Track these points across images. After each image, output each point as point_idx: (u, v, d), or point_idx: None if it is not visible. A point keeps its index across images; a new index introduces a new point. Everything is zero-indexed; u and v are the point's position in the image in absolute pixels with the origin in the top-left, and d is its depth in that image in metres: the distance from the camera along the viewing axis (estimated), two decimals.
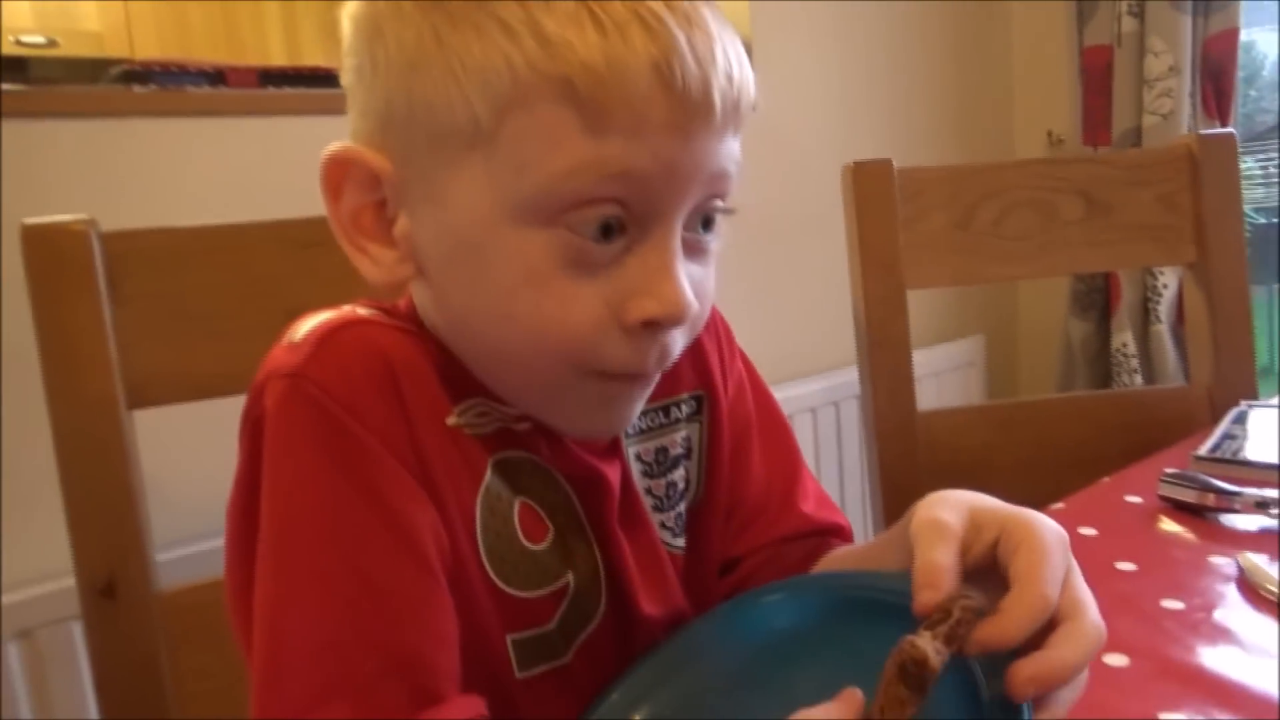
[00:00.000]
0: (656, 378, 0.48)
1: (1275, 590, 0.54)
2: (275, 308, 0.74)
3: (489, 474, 0.47)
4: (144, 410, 0.71)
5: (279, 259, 0.76)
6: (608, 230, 0.42)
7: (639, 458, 0.54)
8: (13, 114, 1.00)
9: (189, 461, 1.04)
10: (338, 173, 0.45)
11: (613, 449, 0.53)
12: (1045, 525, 0.41)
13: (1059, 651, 0.37)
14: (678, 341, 0.46)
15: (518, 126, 0.40)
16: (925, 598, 0.39)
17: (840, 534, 0.60)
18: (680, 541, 0.56)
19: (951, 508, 0.44)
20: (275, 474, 0.42)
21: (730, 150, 0.44)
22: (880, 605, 0.44)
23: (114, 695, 0.68)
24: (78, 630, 0.98)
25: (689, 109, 0.40)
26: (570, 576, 0.49)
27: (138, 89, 1.09)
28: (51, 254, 0.68)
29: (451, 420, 0.45)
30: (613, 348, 0.43)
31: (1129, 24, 1.66)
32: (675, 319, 0.43)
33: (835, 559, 0.57)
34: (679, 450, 0.56)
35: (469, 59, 0.40)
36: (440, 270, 0.45)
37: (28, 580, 0.98)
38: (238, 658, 0.66)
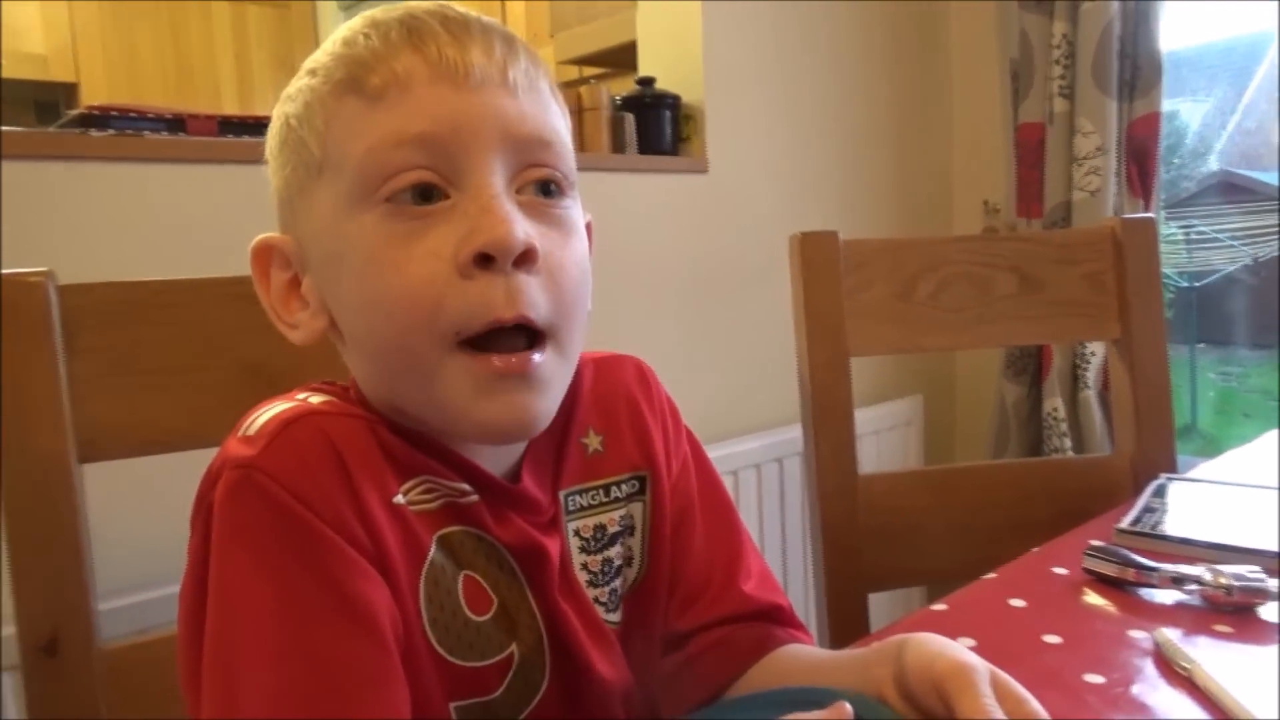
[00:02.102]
0: (549, 371, 0.48)
1: (1187, 667, 0.57)
2: (229, 363, 0.75)
3: (433, 549, 0.49)
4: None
5: (234, 315, 0.76)
6: (425, 194, 0.46)
7: (577, 534, 0.57)
8: None
9: (130, 509, 1.03)
10: (264, 259, 0.52)
11: (553, 524, 0.55)
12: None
13: None
14: (531, 288, 0.46)
15: (333, 137, 0.47)
16: None
17: (781, 615, 0.62)
18: (615, 616, 0.58)
19: (971, 655, 0.47)
20: (224, 558, 0.44)
21: (524, 112, 0.48)
22: None
23: None
24: (9, 681, 0.95)
25: (447, 69, 0.46)
26: (514, 647, 0.51)
27: (95, 133, 1.08)
28: (7, 306, 0.68)
29: (398, 499, 0.48)
30: (456, 296, 0.45)
31: (1060, 104, 1.75)
32: (503, 245, 0.45)
33: (787, 664, 0.58)
34: (616, 528, 0.58)
35: (302, 117, 0.49)
36: (331, 303, 0.50)
37: None
38: (179, 716, 0.65)
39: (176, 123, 1.14)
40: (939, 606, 0.71)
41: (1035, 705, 0.45)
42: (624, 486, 0.59)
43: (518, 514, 0.52)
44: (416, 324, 0.46)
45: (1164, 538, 0.80)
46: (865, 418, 1.73)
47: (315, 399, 0.49)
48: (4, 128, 1.09)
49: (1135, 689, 0.57)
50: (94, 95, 3.14)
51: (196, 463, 0.69)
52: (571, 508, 0.56)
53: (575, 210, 0.51)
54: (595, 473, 0.58)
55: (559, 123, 0.51)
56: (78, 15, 3.17)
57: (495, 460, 0.53)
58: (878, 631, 0.67)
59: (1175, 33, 1.81)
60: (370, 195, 0.46)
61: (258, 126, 1.21)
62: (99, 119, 1.10)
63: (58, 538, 0.68)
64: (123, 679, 0.70)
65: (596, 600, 0.57)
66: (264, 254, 0.52)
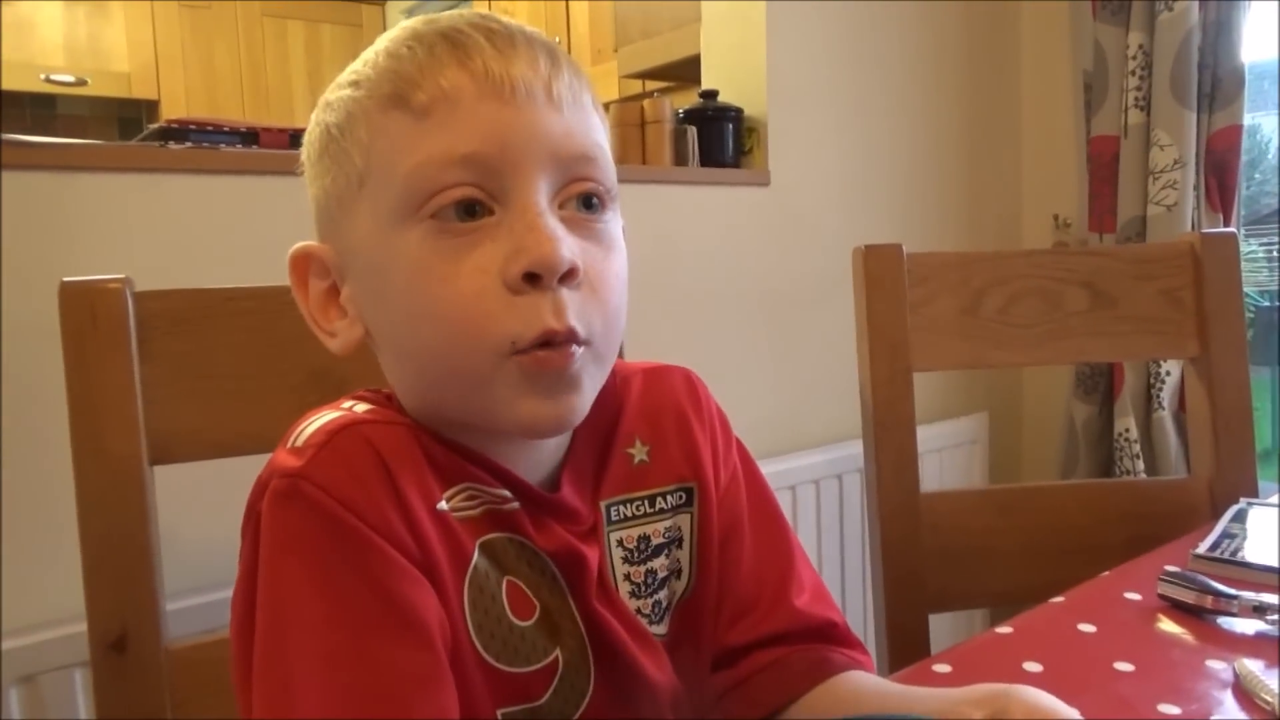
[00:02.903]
0: (588, 375, 0.49)
1: (1270, 700, 0.54)
2: (296, 370, 0.77)
3: (476, 555, 0.49)
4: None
5: (303, 322, 0.77)
6: (470, 210, 0.46)
7: (620, 544, 0.56)
8: (47, 166, 1.03)
9: (198, 510, 1.06)
10: (302, 268, 0.53)
11: (593, 532, 0.55)
12: None
13: None
14: (576, 303, 0.47)
15: (377, 151, 0.48)
16: None
17: (836, 633, 0.60)
18: (660, 629, 0.57)
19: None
20: (273, 566, 0.44)
21: (569, 129, 0.48)
22: None
23: None
24: (80, 677, 0.98)
25: (493, 85, 0.46)
26: (558, 652, 0.51)
27: (173, 146, 1.12)
28: (86, 311, 0.70)
29: (441, 506, 0.48)
30: (506, 313, 0.46)
31: (1135, 116, 1.70)
32: (550, 264, 0.45)
33: (851, 694, 0.56)
34: (662, 539, 0.58)
35: (344, 127, 0.49)
36: (371, 314, 0.51)
37: (32, 626, 0.99)
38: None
39: (250, 135, 1.17)
40: (1004, 629, 0.69)
41: None
42: (670, 498, 0.58)
43: (556, 522, 0.52)
44: (468, 336, 0.46)
45: (1245, 564, 0.77)
46: (928, 435, 1.70)
47: (360, 408, 0.50)
48: (88, 141, 1.13)
49: None
50: (174, 112, 3.26)
51: (262, 467, 0.71)
52: (614, 517, 0.56)
53: (615, 223, 0.52)
54: (640, 483, 0.58)
55: (601, 136, 0.51)
56: (160, 36, 3.30)
57: (533, 468, 0.53)
58: (939, 654, 0.66)
59: (1258, 44, 1.75)
60: (416, 211, 0.46)
61: None
62: (177, 132, 1.13)
63: (128, 538, 0.69)
64: (189, 677, 0.71)
65: (639, 611, 0.56)
66: (302, 262, 0.53)
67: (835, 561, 1.69)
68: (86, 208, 1.05)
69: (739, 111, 1.67)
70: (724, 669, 0.60)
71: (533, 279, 0.46)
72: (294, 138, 1.21)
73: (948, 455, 1.86)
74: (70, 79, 3.16)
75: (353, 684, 0.42)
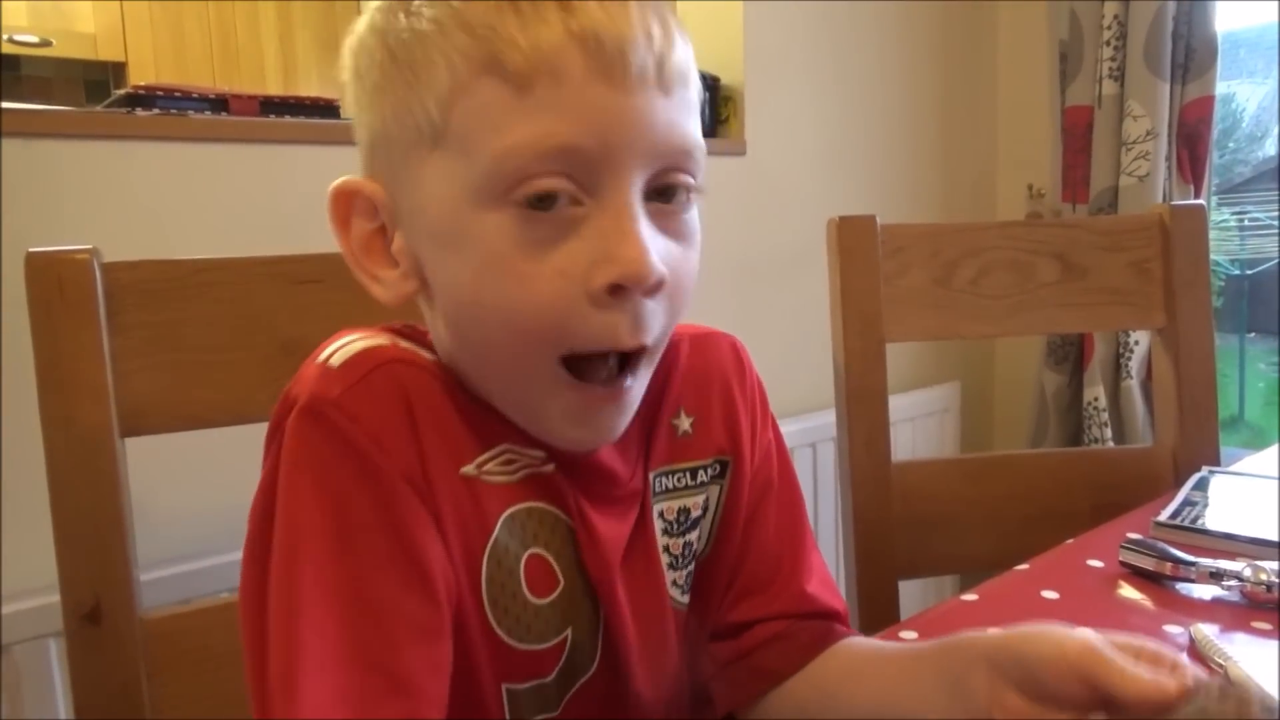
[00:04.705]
0: (637, 389, 0.48)
1: (1222, 663, 0.56)
2: (268, 342, 0.77)
3: (499, 528, 0.48)
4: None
5: (274, 294, 0.77)
6: (558, 201, 0.42)
7: (661, 515, 0.55)
8: (12, 133, 1.01)
9: (171, 482, 1.05)
10: (344, 205, 0.48)
11: (633, 505, 0.54)
12: None
13: None
14: (654, 315, 0.45)
15: (461, 113, 0.42)
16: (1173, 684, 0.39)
17: (839, 619, 0.60)
18: (686, 599, 0.57)
19: (1088, 634, 0.44)
20: (291, 482, 0.43)
21: (674, 118, 0.44)
22: None
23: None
24: (54, 647, 0.98)
25: (604, 61, 0.41)
26: (569, 631, 0.51)
27: (140, 112, 1.10)
28: (54, 282, 0.69)
29: (467, 470, 0.47)
30: (582, 322, 0.43)
31: (1109, 87, 1.71)
32: (640, 280, 0.42)
33: (853, 658, 0.56)
34: (698, 512, 0.57)
35: (417, 66, 0.43)
36: (432, 275, 0.47)
37: (6, 596, 0.99)
38: (218, 686, 0.67)
39: (219, 103, 1.16)
40: (969, 596, 0.70)
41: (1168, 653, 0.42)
42: (708, 470, 0.58)
43: (595, 485, 0.51)
44: (536, 340, 0.44)
45: (1204, 531, 0.78)
46: (901, 404, 1.72)
47: (404, 344, 0.48)
48: (53, 108, 1.11)
49: None
50: (141, 75, 3.17)
51: (235, 438, 0.70)
52: (658, 489, 0.55)
53: (696, 214, 0.49)
54: (683, 455, 0.57)
55: (698, 122, 0.47)
56: None
57: None
58: (907, 620, 0.67)
59: (1234, 13, 1.76)
60: (501, 196, 0.42)
61: (299, 107, 1.22)
62: (145, 99, 1.11)
63: (100, 509, 0.69)
64: (164, 647, 0.71)
65: (674, 584, 0.56)
66: (345, 199, 0.48)
67: None
68: (52, 175, 1.03)
69: (716, 80, 1.66)
70: (726, 640, 0.59)
71: (617, 290, 0.43)
72: (264, 105, 1.19)
73: (920, 424, 1.88)
74: (34, 39, 3.08)
75: (355, 619, 0.42)
